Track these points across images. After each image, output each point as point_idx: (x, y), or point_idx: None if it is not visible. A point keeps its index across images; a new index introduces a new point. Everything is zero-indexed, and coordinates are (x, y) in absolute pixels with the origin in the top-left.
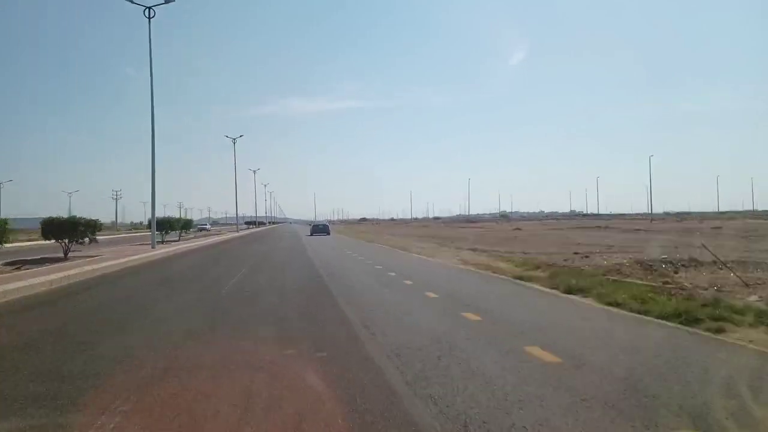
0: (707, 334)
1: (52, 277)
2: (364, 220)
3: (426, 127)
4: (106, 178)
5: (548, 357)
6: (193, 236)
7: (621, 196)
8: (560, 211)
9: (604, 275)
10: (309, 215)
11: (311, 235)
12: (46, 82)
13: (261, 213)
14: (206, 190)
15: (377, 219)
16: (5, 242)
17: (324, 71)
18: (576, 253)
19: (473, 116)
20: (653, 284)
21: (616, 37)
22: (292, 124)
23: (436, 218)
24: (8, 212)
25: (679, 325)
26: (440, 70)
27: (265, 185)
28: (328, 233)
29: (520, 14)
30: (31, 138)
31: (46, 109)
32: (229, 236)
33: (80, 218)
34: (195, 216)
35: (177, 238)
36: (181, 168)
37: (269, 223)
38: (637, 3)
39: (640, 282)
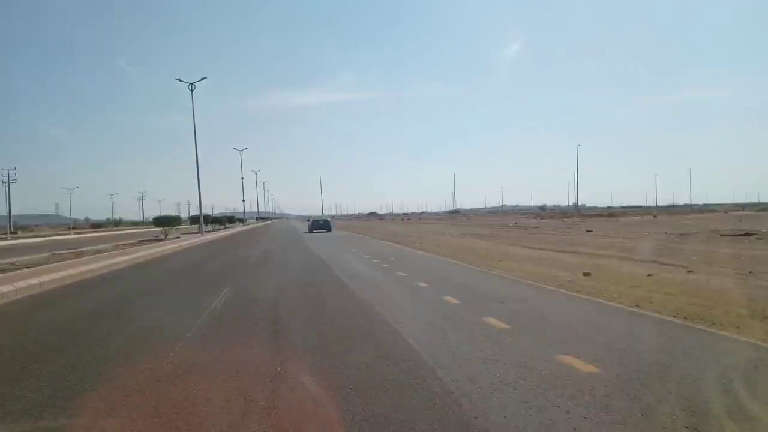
0: None
1: None
2: (373, 214)
3: (426, 120)
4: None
5: None
6: None
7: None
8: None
9: None
10: (308, 211)
11: (310, 231)
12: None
13: (253, 208)
14: (205, 185)
15: (404, 214)
16: None
17: (321, 63)
18: None
19: (473, 111)
20: None
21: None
22: (290, 117)
23: (454, 211)
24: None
25: None
26: (444, 63)
27: (243, 155)
28: (330, 229)
29: (520, 10)
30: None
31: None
32: None
33: None
34: (187, 211)
35: None
36: (182, 167)
37: (258, 219)
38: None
39: None
